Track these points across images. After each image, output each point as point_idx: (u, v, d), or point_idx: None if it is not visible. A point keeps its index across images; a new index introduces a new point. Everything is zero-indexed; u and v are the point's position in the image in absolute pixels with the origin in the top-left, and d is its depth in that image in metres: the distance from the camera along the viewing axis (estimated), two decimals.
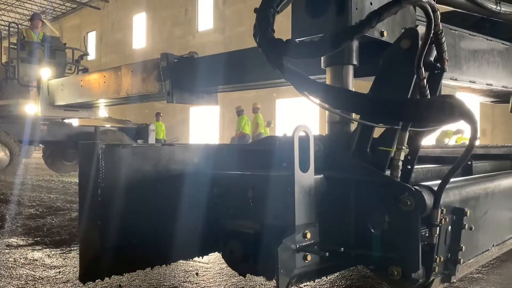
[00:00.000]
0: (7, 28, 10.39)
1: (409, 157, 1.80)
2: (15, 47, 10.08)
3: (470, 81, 2.67)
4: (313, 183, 1.58)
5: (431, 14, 1.58)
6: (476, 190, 1.96)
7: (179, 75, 4.90)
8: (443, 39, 1.69)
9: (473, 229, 1.85)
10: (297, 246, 1.49)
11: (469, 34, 2.68)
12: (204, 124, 22.71)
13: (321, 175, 1.65)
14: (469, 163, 2.43)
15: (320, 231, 1.60)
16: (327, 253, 1.52)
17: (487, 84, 2.82)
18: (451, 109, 1.51)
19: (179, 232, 1.78)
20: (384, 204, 1.62)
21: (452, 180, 1.92)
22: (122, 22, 27.37)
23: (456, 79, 2.55)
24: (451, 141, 14.76)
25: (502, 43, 2.95)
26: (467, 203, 1.82)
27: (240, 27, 20.57)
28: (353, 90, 2.00)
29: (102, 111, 10.77)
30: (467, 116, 1.50)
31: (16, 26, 10.66)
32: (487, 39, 2.82)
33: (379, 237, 1.64)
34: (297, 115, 18.09)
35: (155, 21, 25.41)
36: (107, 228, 1.61)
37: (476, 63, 2.72)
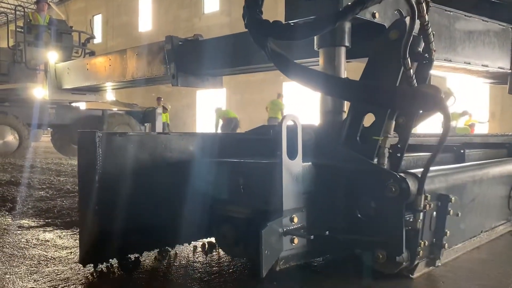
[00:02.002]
0: (13, 11, 10.41)
1: (398, 146, 1.85)
2: (22, 30, 10.09)
3: (465, 62, 2.69)
4: (301, 170, 1.65)
5: (415, 6, 1.61)
6: (464, 178, 2.01)
7: (183, 58, 4.85)
8: (430, 30, 1.72)
9: (459, 215, 1.90)
10: (284, 229, 1.57)
11: (465, 15, 2.68)
12: (211, 108, 22.73)
13: (309, 163, 1.71)
14: (462, 151, 2.47)
15: (308, 216, 1.68)
16: (312, 236, 1.59)
17: (482, 65, 2.83)
18: (424, 99, 1.55)
19: (175, 217, 1.86)
20: (370, 190, 1.69)
21: (440, 168, 1.99)
22: (128, 5, 27.21)
23: (450, 60, 2.57)
24: (458, 124, 14.66)
25: (499, 24, 2.94)
26: (454, 190, 1.87)
27: None
28: (345, 71, 2.05)
29: (109, 95, 10.82)
30: (440, 106, 1.54)
31: (23, 9, 10.67)
32: (483, 20, 2.81)
33: (365, 222, 1.70)
34: (304, 98, 18.03)
35: (160, 3, 25.24)
36: (105, 213, 1.69)
37: (471, 44, 2.72)
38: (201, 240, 2.20)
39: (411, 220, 1.64)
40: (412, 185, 1.62)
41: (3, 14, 11.54)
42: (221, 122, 15.76)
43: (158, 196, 1.84)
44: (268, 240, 1.46)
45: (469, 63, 2.68)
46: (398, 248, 1.62)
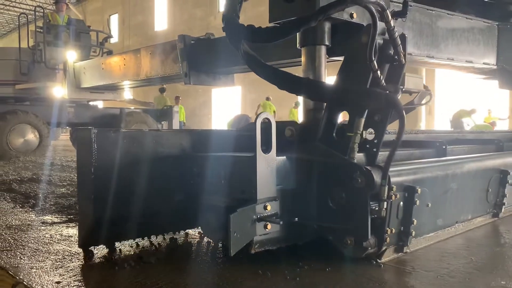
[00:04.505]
0: (33, 12, 10.74)
1: (375, 141, 2.00)
2: (41, 30, 10.38)
3: (448, 59, 2.81)
4: (275, 163, 1.81)
5: (375, 14, 1.75)
6: (435, 171, 2.14)
7: (196, 56, 4.90)
8: (396, 34, 1.86)
9: (429, 206, 2.04)
10: (258, 216, 1.73)
11: (447, 14, 2.79)
12: (226, 106, 22.93)
13: (284, 156, 1.88)
14: (444, 147, 2.59)
15: (282, 205, 1.84)
16: (281, 222, 1.76)
17: (466, 61, 2.94)
18: (377, 98, 1.69)
19: (164, 207, 2.05)
20: (341, 182, 1.84)
21: (411, 161, 2.13)
22: (144, 4, 27.61)
23: (433, 57, 2.70)
24: (478, 121, 14.54)
25: (483, 21, 3.04)
26: (423, 183, 2.00)
27: (261, 6, 20.35)
28: (325, 69, 2.19)
29: (127, 93, 11.07)
30: (393, 105, 1.68)
31: (42, 10, 10.99)
32: (466, 18, 2.93)
33: (337, 211, 1.86)
34: None
35: (176, 2, 25.55)
36: (100, 202, 1.88)
37: (454, 41, 2.84)
38: (188, 228, 2.35)
39: (376, 209, 1.78)
40: (377, 177, 1.76)
41: (23, 15, 11.89)
42: None
43: (150, 187, 2.03)
44: (237, 224, 1.62)
45: (453, 59, 2.80)
46: (364, 234, 1.77)
